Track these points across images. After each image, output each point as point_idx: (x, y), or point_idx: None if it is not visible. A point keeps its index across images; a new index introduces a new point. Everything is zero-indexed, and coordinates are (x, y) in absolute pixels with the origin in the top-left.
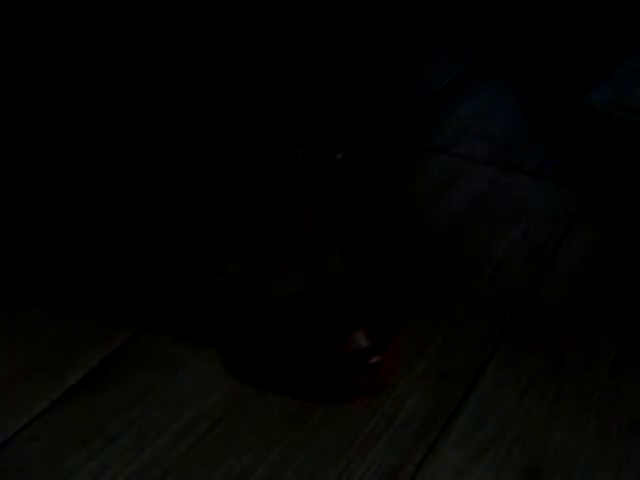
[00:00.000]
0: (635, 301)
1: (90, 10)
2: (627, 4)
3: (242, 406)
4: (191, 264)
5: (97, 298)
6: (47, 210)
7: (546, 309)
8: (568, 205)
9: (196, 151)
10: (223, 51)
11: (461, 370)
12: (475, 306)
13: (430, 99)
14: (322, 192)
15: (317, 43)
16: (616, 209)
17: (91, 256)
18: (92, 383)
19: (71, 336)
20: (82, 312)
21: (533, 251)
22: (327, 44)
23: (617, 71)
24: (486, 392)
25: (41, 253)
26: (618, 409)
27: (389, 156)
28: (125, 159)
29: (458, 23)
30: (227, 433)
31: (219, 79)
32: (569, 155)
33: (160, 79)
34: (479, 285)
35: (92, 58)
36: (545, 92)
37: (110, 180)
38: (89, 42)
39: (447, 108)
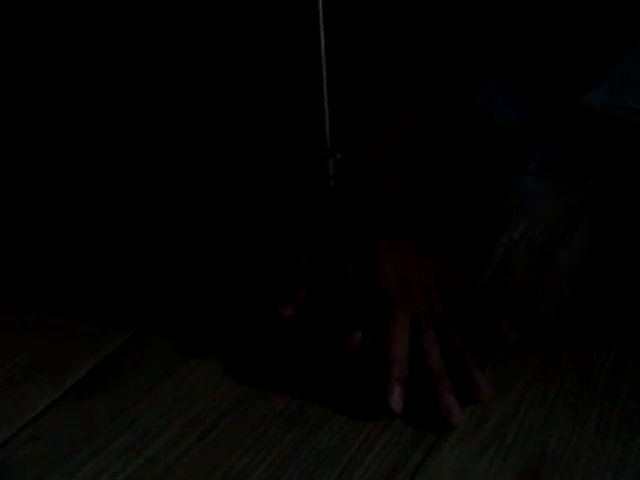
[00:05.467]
0: (635, 301)
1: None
2: (625, 3)
3: (242, 406)
4: (191, 264)
5: (97, 298)
6: (47, 210)
7: (546, 309)
8: (568, 205)
9: (195, 152)
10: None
11: None
12: None
13: None
14: (322, 193)
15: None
16: (616, 209)
17: (91, 256)
18: (92, 383)
19: (71, 336)
20: (82, 312)
21: (533, 251)
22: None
23: (616, 70)
24: None
25: (41, 253)
26: (618, 409)
27: None
28: (126, 160)
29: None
30: (227, 433)
31: None
32: (569, 155)
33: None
34: (479, 285)
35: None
36: (544, 92)
37: (110, 181)
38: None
39: None
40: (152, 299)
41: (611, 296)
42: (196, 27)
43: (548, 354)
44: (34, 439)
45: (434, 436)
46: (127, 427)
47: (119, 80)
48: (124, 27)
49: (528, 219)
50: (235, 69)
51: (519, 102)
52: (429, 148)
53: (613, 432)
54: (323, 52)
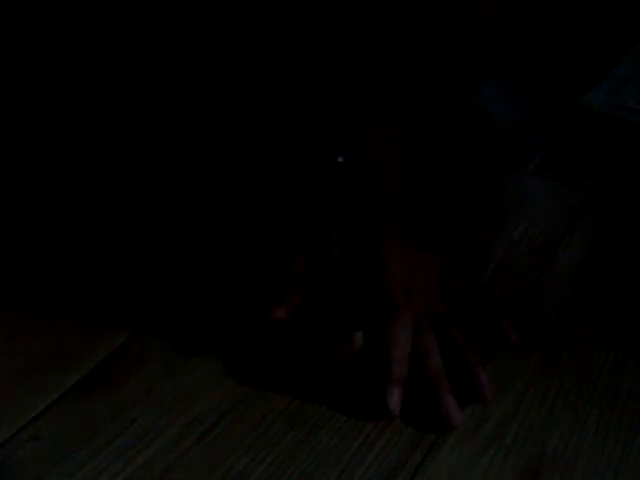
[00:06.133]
0: (635, 301)
1: None
2: (625, 3)
3: (242, 406)
4: (190, 264)
5: (97, 298)
6: (47, 209)
7: (546, 309)
8: (568, 205)
9: (192, 152)
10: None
11: None
12: None
13: None
14: (323, 195)
15: (316, 47)
16: (616, 209)
17: (91, 256)
18: (92, 383)
19: (71, 336)
20: (82, 312)
21: (533, 251)
22: (326, 48)
23: (616, 70)
24: None
25: (41, 253)
26: (618, 409)
27: None
28: (126, 160)
29: None
30: (227, 433)
31: None
32: (569, 155)
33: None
34: (479, 285)
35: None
36: (544, 92)
37: (110, 181)
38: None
39: None
40: (152, 299)
41: (611, 296)
42: (196, 27)
43: (548, 354)
44: (34, 439)
45: (434, 436)
46: (127, 427)
47: (119, 80)
48: (125, 27)
49: (528, 219)
50: (236, 68)
51: (519, 102)
52: (430, 149)
53: (613, 432)
54: None
